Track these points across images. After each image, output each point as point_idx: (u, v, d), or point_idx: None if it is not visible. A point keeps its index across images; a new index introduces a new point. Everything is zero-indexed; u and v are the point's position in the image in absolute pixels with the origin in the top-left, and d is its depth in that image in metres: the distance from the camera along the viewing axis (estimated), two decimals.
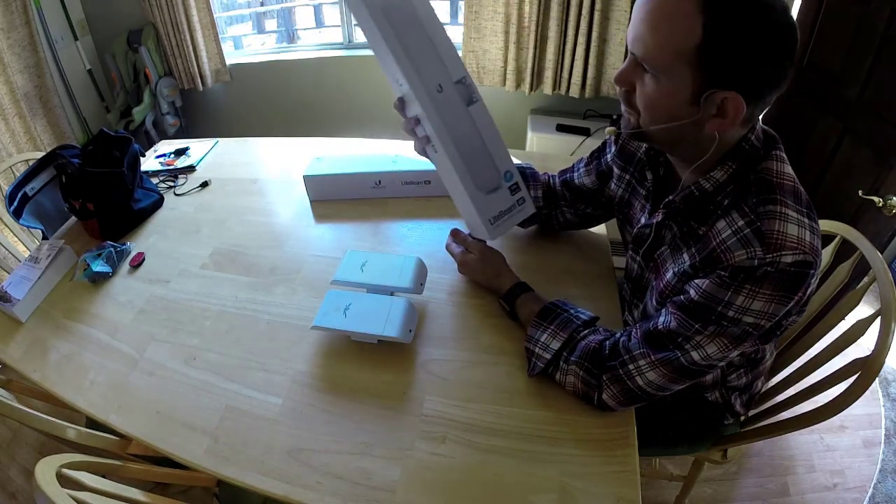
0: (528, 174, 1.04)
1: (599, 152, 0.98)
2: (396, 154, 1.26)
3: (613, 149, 0.93)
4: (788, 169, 0.67)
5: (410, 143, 0.90)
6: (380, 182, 1.20)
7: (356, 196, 1.23)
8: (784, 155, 0.68)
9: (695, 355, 0.68)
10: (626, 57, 0.67)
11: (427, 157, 0.89)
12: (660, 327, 0.70)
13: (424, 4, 0.82)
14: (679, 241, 0.75)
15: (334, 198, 1.24)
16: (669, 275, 0.75)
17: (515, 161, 0.93)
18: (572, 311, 0.81)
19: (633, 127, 0.70)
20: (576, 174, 1.01)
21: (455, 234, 1.00)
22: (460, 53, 2.11)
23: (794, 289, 0.62)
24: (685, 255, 0.72)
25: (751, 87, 0.59)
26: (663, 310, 0.72)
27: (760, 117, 0.70)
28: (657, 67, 0.62)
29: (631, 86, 0.67)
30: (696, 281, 0.68)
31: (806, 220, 0.63)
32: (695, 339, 0.67)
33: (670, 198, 0.74)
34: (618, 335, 0.76)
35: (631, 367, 0.71)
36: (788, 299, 0.63)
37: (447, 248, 1.00)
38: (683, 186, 0.72)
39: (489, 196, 0.86)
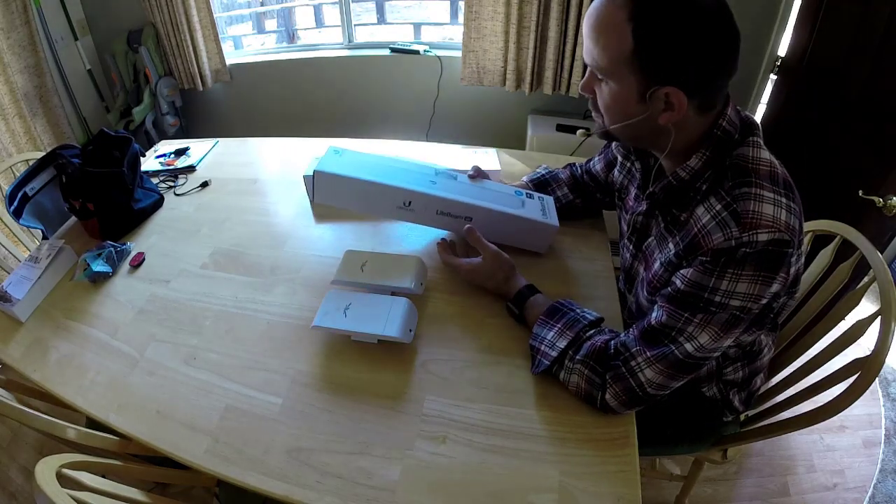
0: (548, 178, 1.12)
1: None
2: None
3: None
4: (765, 154, 0.70)
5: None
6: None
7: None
8: (760, 141, 0.71)
9: (688, 347, 0.69)
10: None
11: (473, 233, 0.97)
12: (653, 322, 0.72)
13: (363, 155, 1.01)
14: (664, 232, 0.78)
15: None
16: (657, 265, 0.77)
17: (539, 169, 1.15)
18: (579, 311, 0.81)
19: (600, 128, 0.77)
20: (592, 163, 1.07)
21: (468, 240, 0.95)
22: (460, 53, 2.13)
23: (775, 268, 0.64)
24: (670, 244, 0.75)
25: (688, 81, 0.64)
26: (655, 305, 0.74)
27: (734, 105, 0.72)
28: (605, 73, 0.69)
29: (593, 93, 0.74)
30: (681, 271, 0.70)
31: (783, 200, 0.65)
32: (686, 330, 0.69)
33: (651, 189, 0.78)
34: (621, 335, 0.76)
35: (632, 363, 0.72)
36: (771, 279, 0.64)
37: (445, 261, 0.98)
38: (664, 177, 0.76)
39: (526, 208, 1.01)
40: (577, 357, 0.75)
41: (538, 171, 1.15)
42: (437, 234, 1.10)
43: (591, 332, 0.78)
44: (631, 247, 0.88)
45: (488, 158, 1.28)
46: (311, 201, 1.09)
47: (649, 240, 0.83)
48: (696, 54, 0.63)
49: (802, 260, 0.75)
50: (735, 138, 0.70)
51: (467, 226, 0.95)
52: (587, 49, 0.69)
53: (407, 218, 0.99)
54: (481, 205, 0.97)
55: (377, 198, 0.96)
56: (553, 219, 1.00)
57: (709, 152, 0.70)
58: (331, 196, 0.98)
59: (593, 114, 0.77)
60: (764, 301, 0.66)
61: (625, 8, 0.63)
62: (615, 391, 0.72)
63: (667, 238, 0.77)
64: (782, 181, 0.68)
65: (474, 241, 0.95)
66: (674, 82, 0.64)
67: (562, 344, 0.77)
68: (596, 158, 1.07)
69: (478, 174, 1.06)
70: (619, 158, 0.96)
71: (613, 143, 0.99)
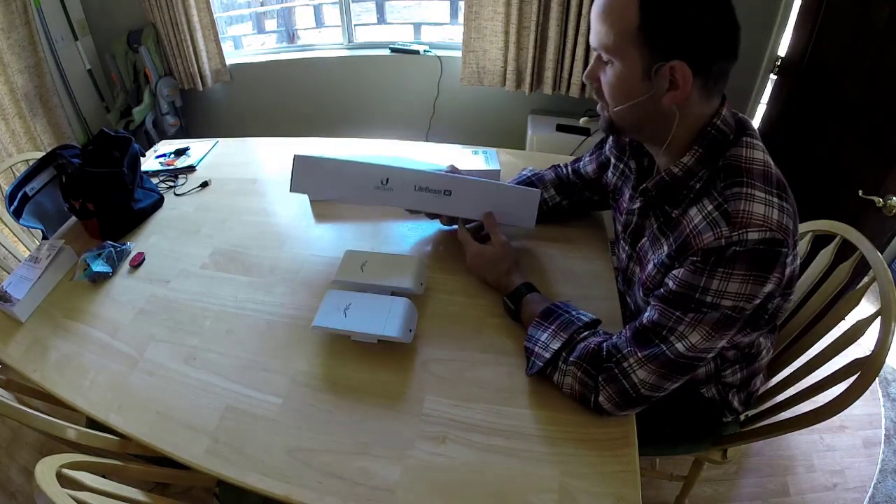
0: (534, 180, 1.10)
1: (603, 142, 1.02)
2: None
3: (612, 139, 0.97)
4: (759, 154, 0.70)
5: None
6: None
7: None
8: (755, 141, 0.71)
9: (679, 346, 0.69)
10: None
11: (490, 218, 0.98)
12: (644, 322, 0.72)
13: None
14: (657, 233, 0.78)
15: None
16: (650, 266, 0.77)
17: (523, 171, 1.12)
18: (574, 313, 0.81)
19: (605, 120, 0.76)
20: (582, 163, 1.07)
21: (485, 223, 0.99)
22: (460, 53, 2.13)
23: (768, 268, 0.64)
24: (664, 246, 0.75)
25: (694, 55, 0.64)
26: (648, 306, 0.74)
27: (730, 106, 0.72)
28: (611, 53, 0.69)
29: (598, 80, 0.74)
30: (673, 272, 0.70)
31: (775, 200, 0.65)
32: (677, 329, 0.68)
33: (644, 185, 0.78)
34: (613, 337, 0.76)
35: (624, 365, 0.71)
36: (764, 279, 0.64)
37: (460, 236, 0.99)
38: (657, 173, 0.76)
39: (504, 183, 1.01)
40: (571, 359, 0.75)
41: (523, 172, 1.13)
42: (437, 234, 1.10)
43: (585, 333, 0.78)
44: (626, 247, 0.88)
45: (488, 158, 1.28)
46: (290, 189, 0.99)
47: (643, 241, 0.83)
48: (700, 28, 0.63)
49: (798, 261, 0.75)
50: (729, 139, 0.70)
51: (486, 210, 0.97)
52: (594, 32, 0.70)
53: (387, 199, 0.97)
54: (460, 176, 0.96)
55: (355, 179, 0.96)
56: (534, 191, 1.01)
57: (702, 149, 0.70)
58: (309, 183, 0.99)
59: (598, 105, 0.77)
60: (757, 301, 0.66)
61: None
62: (608, 393, 0.72)
63: (660, 239, 0.77)
64: (776, 181, 0.68)
65: (489, 227, 0.97)
66: (680, 56, 0.64)
67: (555, 345, 0.77)
68: (586, 159, 1.06)
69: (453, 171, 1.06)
70: (613, 160, 0.96)
71: (607, 145, 0.98)
